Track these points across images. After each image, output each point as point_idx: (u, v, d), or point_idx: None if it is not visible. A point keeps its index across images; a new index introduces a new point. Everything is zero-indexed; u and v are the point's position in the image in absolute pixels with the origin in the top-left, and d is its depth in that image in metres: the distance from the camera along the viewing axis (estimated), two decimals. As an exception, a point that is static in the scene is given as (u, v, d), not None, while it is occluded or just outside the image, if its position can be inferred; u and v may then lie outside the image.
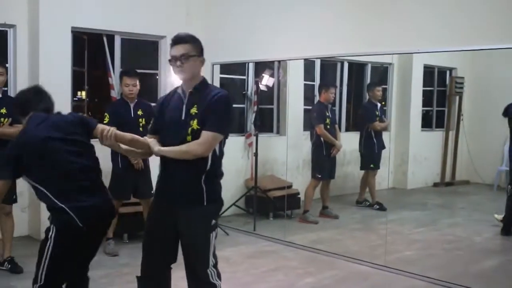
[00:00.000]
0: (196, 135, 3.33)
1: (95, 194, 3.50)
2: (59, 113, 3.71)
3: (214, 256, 3.50)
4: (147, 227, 3.68)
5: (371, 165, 8.08)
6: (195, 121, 3.36)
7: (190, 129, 3.36)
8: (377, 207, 8.01)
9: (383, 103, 8.77)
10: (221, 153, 3.49)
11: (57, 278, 3.50)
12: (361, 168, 8.16)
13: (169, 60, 3.48)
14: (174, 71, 3.51)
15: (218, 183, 3.53)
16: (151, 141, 3.51)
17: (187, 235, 3.45)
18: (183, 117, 3.41)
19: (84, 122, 3.65)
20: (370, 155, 8.07)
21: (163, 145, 3.44)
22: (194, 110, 3.39)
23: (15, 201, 5.73)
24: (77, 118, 3.69)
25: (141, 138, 3.61)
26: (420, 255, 6.42)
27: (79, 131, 3.56)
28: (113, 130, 3.53)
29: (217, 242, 3.54)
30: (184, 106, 3.42)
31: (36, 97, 3.74)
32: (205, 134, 3.31)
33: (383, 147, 7.92)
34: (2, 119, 5.41)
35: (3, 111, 5.44)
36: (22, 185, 5.47)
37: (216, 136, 3.35)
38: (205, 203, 3.41)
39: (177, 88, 3.59)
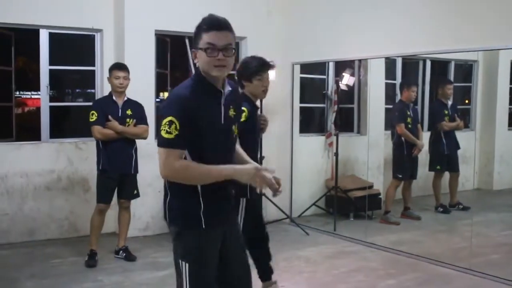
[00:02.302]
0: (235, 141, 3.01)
1: None
2: None
3: None
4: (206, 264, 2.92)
5: (437, 167, 7.86)
6: (235, 126, 2.98)
7: (234, 136, 2.98)
8: (441, 209, 7.84)
9: (466, 101, 8.52)
10: None
11: None
12: (429, 169, 7.96)
13: (205, 49, 2.78)
14: (210, 64, 2.79)
15: None
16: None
17: (242, 257, 3.12)
18: (222, 121, 2.88)
19: None
20: (438, 156, 7.85)
21: (209, 157, 2.81)
22: (232, 113, 2.94)
23: (136, 196, 6.07)
24: None
25: None
26: (508, 259, 6.19)
27: None
28: None
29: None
30: (223, 108, 2.87)
31: None
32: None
33: (457, 147, 7.68)
34: (128, 119, 5.88)
35: (129, 112, 5.91)
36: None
37: None
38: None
39: (197, 82, 2.89)
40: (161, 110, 2.81)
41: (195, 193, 2.80)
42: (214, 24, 2.88)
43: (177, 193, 2.85)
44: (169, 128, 2.67)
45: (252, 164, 2.92)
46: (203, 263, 2.85)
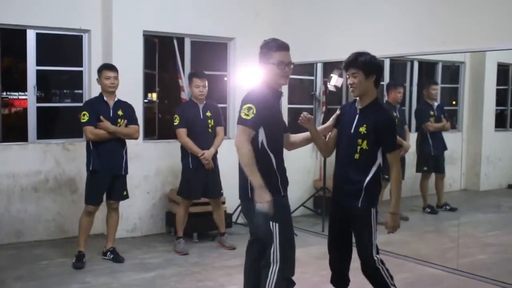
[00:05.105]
0: None
1: None
2: None
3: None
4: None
5: (424, 168, 7.88)
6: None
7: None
8: (428, 210, 7.86)
9: (453, 102, 8.55)
10: None
11: None
12: (416, 171, 7.98)
13: (278, 64, 3.76)
14: (281, 76, 3.79)
15: None
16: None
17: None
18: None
19: None
20: (424, 157, 7.86)
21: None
22: None
23: (125, 197, 6.05)
24: None
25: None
26: (495, 259, 6.24)
27: None
28: None
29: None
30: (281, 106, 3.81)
31: None
32: None
33: (444, 148, 7.71)
34: (119, 120, 5.86)
35: (120, 112, 5.90)
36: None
37: None
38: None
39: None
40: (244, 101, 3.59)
41: None
42: (282, 45, 3.93)
43: None
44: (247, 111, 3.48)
45: (269, 197, 3.54)
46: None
